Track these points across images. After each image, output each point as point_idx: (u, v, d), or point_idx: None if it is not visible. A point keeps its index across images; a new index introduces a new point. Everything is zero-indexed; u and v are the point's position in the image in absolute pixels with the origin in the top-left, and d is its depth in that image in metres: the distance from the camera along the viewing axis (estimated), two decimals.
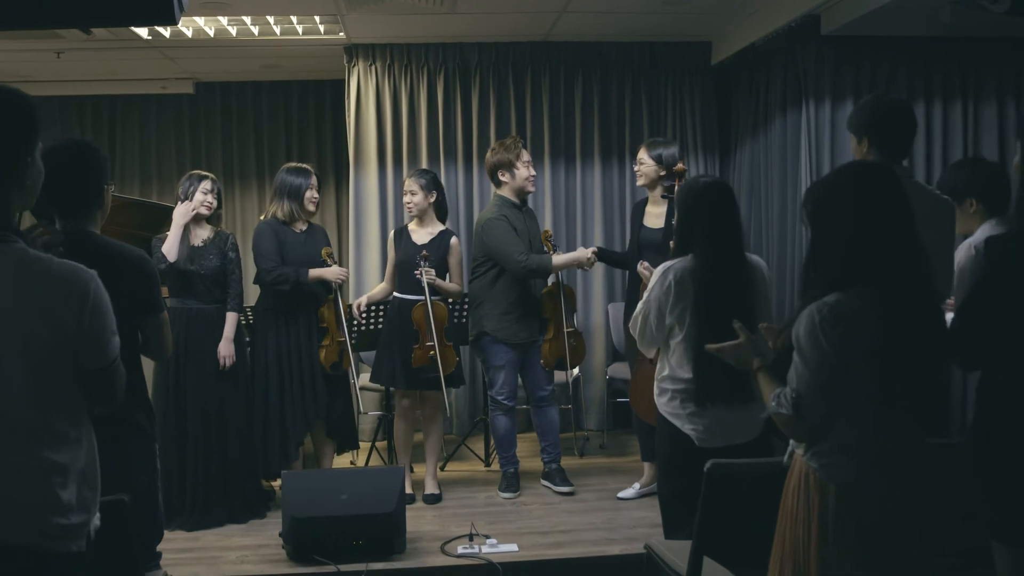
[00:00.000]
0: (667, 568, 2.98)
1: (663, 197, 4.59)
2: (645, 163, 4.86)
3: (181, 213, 4.49)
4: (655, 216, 4.83)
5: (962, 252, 3.31)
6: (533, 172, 5.04)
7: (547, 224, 6.21)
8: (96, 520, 2.12)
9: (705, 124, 6.53)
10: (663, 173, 4.73)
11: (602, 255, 5.14)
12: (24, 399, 1.94)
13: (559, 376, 5.37)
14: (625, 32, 6.21)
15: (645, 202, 4.98)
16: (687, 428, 3.27)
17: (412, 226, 5.04)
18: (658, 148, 4.86)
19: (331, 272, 4.77)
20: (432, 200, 4.97)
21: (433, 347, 4.76)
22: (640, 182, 4.95)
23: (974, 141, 5.70)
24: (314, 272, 4.72)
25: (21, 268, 1.94)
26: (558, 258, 4.92)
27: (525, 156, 4.98)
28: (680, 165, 4.49)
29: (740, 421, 3.23)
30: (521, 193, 5.00)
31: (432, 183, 4.99)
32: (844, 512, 2.17)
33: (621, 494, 4.95)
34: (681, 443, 3.26)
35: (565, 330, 4.96)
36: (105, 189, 3.03)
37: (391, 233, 5.23)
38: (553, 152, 6.40)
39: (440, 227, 5.02)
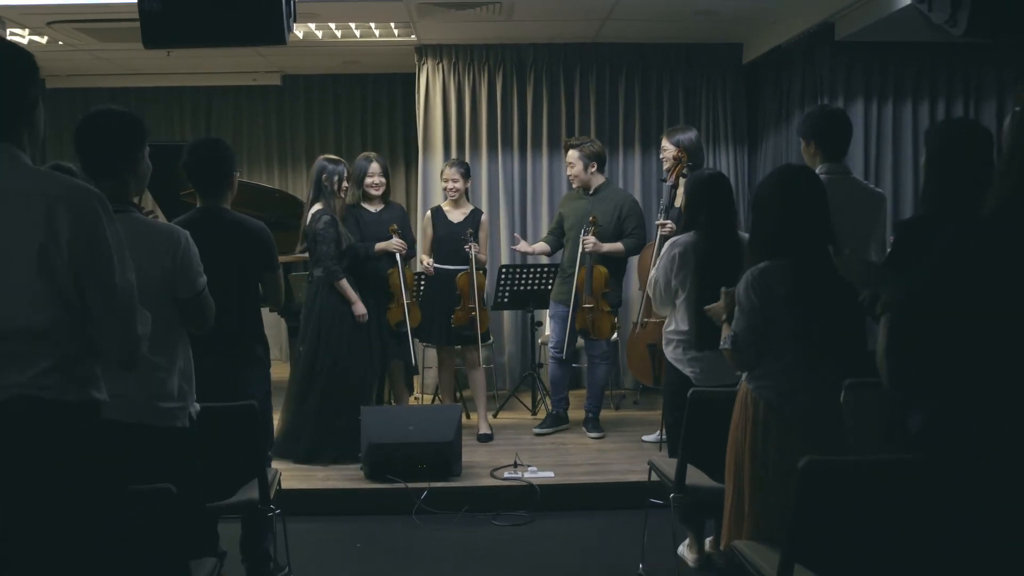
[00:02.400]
0: (663, 475, 3.79)
1: (661, 181, 5.35)
2: (668, 149, 5.53)
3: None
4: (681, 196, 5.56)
5: None
6: (568, 172, 5.91)
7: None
8: (195, 406, 3.00)
9: (736, 118, 7.24)
10: (686, 158, 5.43)
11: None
12: None
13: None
14: (664, 35, 6.94)
15: (674, 189, 5.72)
16: (687, 370, 4.06)
17: (447, 207, 5.87)
18: (676, 134, 5.54)
19: (392, 244, 5.48)
20: (468, 185, 5.89)
21: (474, 308, 5.64)
22: (667, 166, 5.61)
23: None
24: (380, 245, 5.49)
25: (138, 228, 2.80)
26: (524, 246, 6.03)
27: (567, 157, 5.89)
28: (677, 151, 5.27)
29: (729, 365, 4.00)
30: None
31: (468, 171, 5.92)
32: (768, 421, 2.97)
33: (645, 437, 5.76)
34: (682, 382, 4.04)
35: (583, 304, 5.70)
36: (234, 175, 3.91)
37: (427, 213, 6.00)
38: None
39: (470, 207, 5.90)
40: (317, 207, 5.29)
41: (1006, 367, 1.78)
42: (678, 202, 5.17)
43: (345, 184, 5.36)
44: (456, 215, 5.86)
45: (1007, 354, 1.78)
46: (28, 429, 1.97)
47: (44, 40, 6.71)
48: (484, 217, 5.94)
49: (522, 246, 6.04)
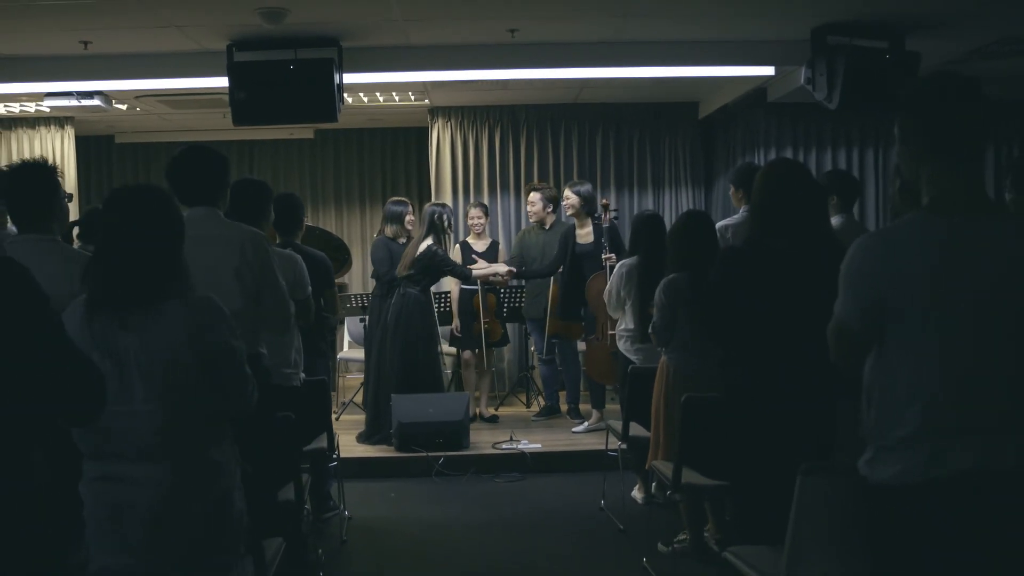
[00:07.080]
0: (614, 431, 5.23)
1: (594, 222, 6.80)
2: (571, 198, 6.88)
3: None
4: (584, 235, 6.91)
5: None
6: (530, 208, 7.30)
7: None
8: (302, 374, 4.46)
9: (694, 164, 8.72)
10: (583, 204, 6.82)
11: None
12: None
13: (582, 345, 7.66)
14: (634, 97, 8.43)
15: (574, 227, 6.98)
16: (634, 357, 5.49)
17: (472, 240, 7.39)
18: (577, 186, 6.93)
19: None
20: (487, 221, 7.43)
21: (487, 322, 7.14)
22: (569, 212, 6.96)
23: (883, 179, 7.85)
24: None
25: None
26: (480, 269, 7.13)
27: (530, 197, 7.33)
28: (604, 200, 6.75)
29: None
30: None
31: (487, 210, 7.48)
32: (676, 380, 4.40)
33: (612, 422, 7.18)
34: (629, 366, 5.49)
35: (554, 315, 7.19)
36: (303, 219, 5.38)
37: (457, 245, 7.41)
38: None
39: (489, 239, 7.44)
40: (428, 242, 6.52)
41: (759, 329, 3.26)
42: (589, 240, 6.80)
43: (450, 221, 6.65)
44: (480, 246, 7.38)
45: (761, 321, 3.25)
46: None
47: (124, 107, 8.21)
48: (501, 247, 7.54)
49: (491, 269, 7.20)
